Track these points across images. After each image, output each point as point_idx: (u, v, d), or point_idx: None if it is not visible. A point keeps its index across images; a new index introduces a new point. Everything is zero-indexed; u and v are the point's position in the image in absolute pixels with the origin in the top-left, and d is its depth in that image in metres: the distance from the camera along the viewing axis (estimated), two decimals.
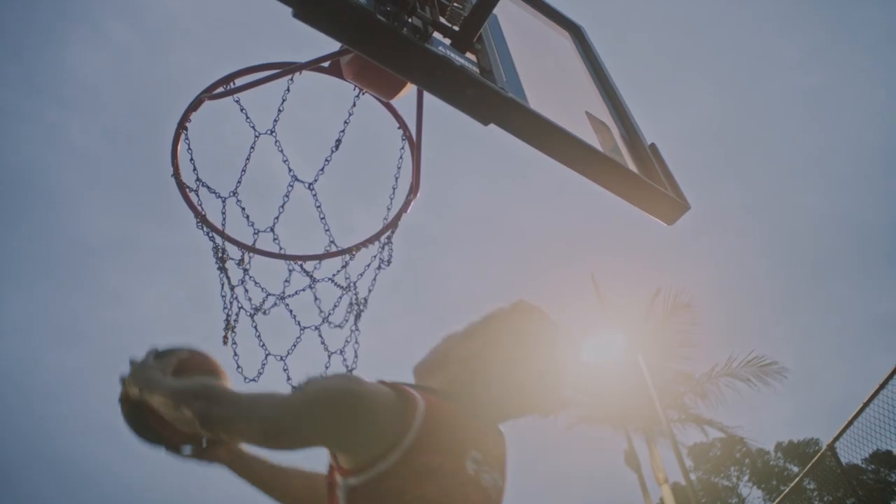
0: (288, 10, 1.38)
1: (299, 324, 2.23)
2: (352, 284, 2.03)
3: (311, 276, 1.85)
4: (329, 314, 2.08)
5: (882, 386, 7.06)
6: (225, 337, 1.96)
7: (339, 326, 2.17)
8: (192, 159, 1.83)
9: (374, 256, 2.11)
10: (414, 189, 1.96)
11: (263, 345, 1.96)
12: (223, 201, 1.75)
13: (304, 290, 1.83)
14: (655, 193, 1.49)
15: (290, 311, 1.95)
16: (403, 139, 2.01)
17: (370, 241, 1.95)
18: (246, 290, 1.77)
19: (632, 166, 1.55)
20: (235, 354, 1.93)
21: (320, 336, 2.17)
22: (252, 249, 1.88)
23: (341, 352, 2.18)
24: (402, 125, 2.02)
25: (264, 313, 1.79)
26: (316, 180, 1.94)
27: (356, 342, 2.12)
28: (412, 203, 1.95)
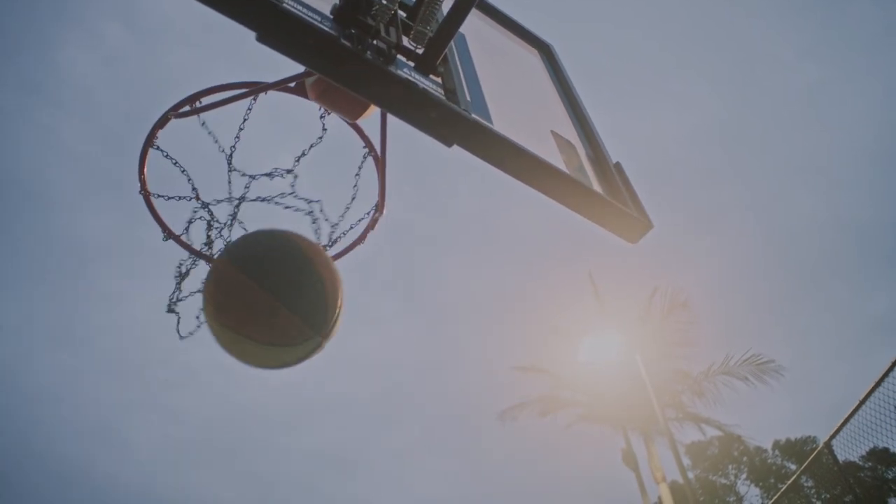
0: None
1: None
2: None
3: None
4: None
5: (878, 384, 7.07)
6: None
7: None
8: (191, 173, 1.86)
9: None
10: (380, 207, 1.98)
11: None
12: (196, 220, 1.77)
13: None
14: (619, 213, 1.50)
15: None
16: (368, 157, 2.02)
17: (337, 258, 1.97)
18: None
19: (596, 186, 1.56)
20: None
21: None
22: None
23: None
24: (368, 144, 2.03)
25: None
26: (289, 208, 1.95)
27: None
28: (378, 221, 1.97)
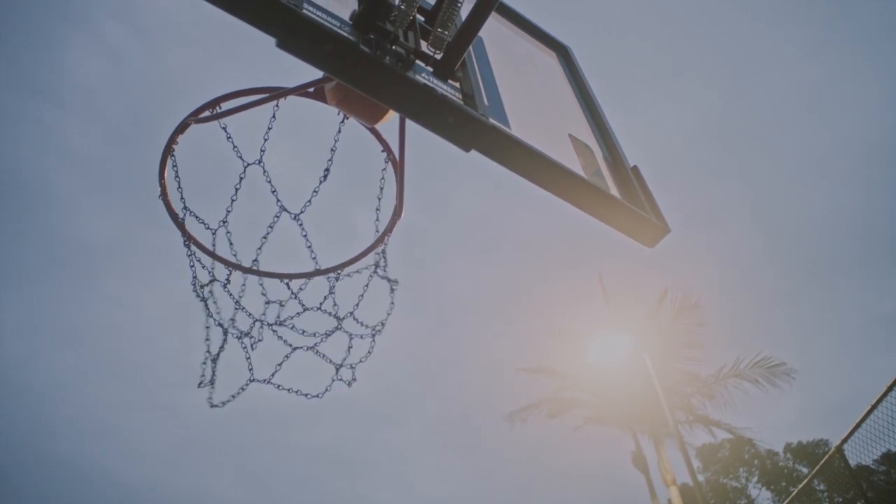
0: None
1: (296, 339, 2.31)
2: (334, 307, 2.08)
3: (297, 297, 1.88)
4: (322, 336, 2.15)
5: (891, 387, 6.97)
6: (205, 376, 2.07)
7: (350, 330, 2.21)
8: (178, 181, 1.88)
9: (371, 272, 2.14)
10: (398, 211, 1.98)
11: (251, 368, 2.03)
12: (214, 229, 1.79)
13: (298, 314, 1.87)
14: (636, 217, 1.49)
15: (277, 332, 1.99)
16: (387, 161, 2.03)
17: (356, 259, 1.98)
18: (235, 315, 1.81)
19: (613, 190, 1.56)
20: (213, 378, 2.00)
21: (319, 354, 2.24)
22: (241, 268, 1.91)
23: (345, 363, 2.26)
24: (387, 149, 2.03)
25: (250, 338, 1.82)
26: (303, 211, 1.99)
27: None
28: (396, 224, 1.97)
